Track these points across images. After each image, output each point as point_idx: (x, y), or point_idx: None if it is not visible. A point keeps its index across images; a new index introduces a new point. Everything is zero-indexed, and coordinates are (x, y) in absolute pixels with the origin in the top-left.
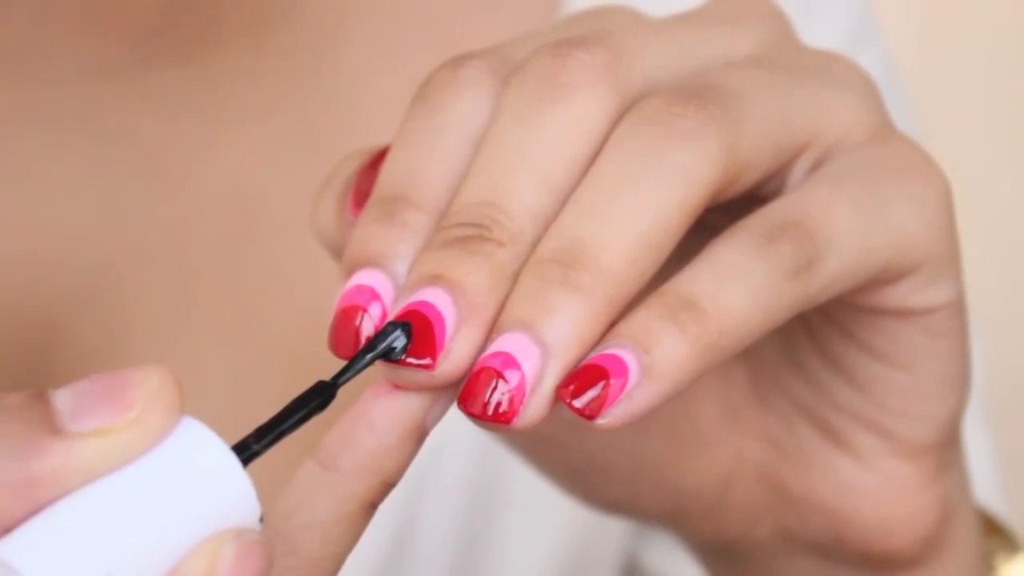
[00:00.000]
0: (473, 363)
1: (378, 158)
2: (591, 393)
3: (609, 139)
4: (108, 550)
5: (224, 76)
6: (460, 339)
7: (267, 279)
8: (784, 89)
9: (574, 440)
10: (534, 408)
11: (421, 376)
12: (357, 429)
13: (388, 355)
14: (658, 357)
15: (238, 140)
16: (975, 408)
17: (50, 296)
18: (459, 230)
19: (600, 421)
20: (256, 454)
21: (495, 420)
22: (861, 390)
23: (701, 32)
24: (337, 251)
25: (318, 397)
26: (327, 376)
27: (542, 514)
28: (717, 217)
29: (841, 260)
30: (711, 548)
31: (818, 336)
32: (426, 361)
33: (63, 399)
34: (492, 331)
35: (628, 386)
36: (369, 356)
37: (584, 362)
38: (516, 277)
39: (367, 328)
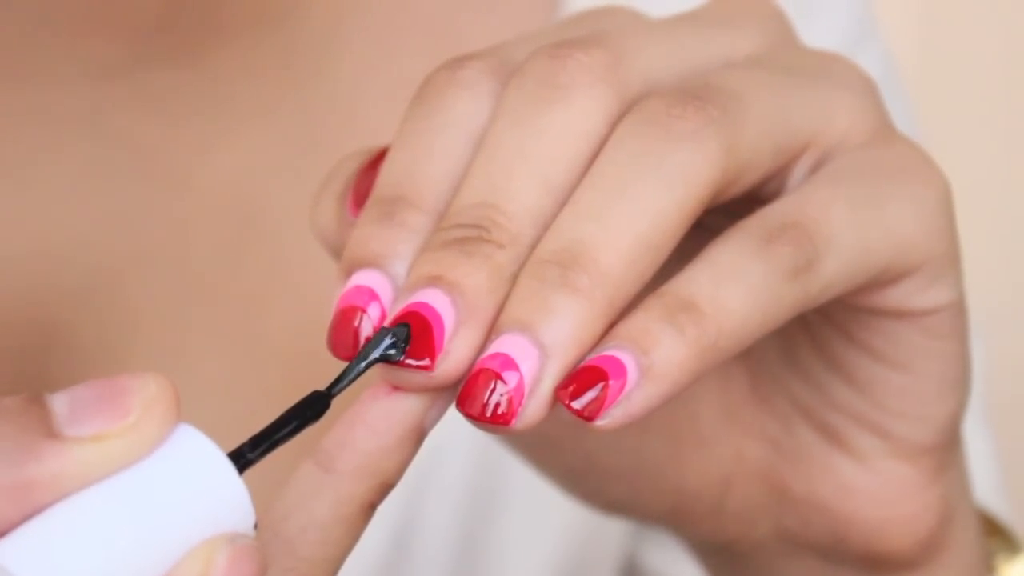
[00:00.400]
0: (472, 364)
1: (377, 158)
2: (589, 394)
3: (608, 140)
4: (103, 554)
5: (224, 77)
6: (459, 340)
7: (267, 279)
8: (784, 90)
9: (574, 441)
10: (532, 409)
11: (420, 377)
12: (356, 431)
13: (387, 357)
14: (656, 359)
15: (238, 141)
16: (975, 408)
17: (50, 296)
18: (458, 231)
19: (598, 422)
20: (251, 462)
21: (493, 421)
22: (861, 391)
23: (701, 33)
24: (337, 251)
25: (312, 407)
26: (327, 376)
27: (542, 515)
28: (717, 218)
29: (840, 261)
30: (711, 548)
31: (818, 337)
32: (425, 362)
33: (60, 403)
34: (491, 332)
35: (626, 388)
36: (363, 365)
37: (583, 363)
38: (515, 278)
39: (366, 329)
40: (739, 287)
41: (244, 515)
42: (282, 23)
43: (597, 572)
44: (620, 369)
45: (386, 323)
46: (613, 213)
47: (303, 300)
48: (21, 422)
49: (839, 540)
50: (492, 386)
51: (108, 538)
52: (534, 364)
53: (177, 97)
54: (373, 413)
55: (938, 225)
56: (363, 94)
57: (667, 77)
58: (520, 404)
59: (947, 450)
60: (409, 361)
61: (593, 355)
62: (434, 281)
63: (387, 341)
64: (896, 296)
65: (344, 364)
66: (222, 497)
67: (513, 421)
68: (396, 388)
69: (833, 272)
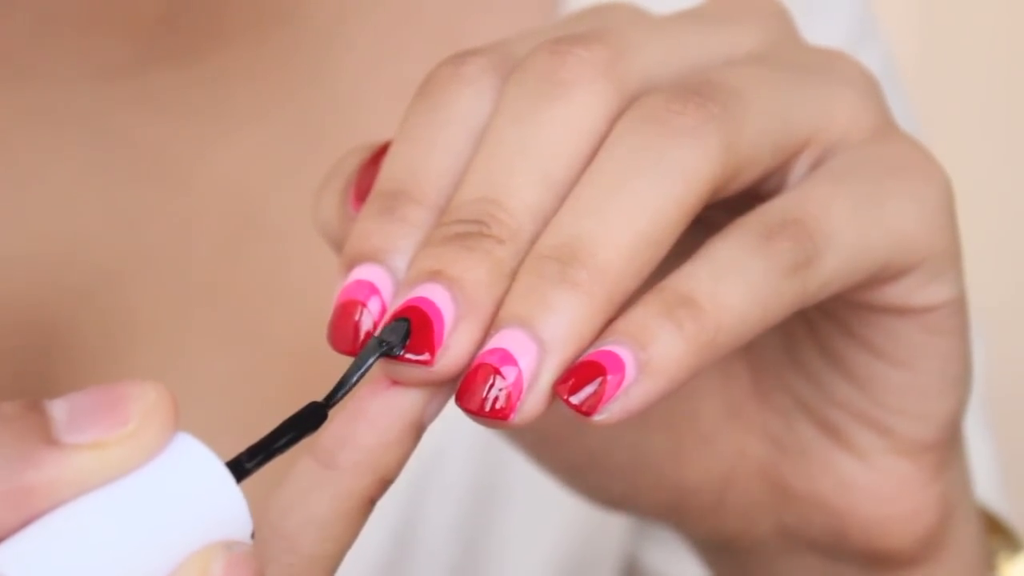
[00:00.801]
0: (471, 359)
1: (379, 153)
2: (588, 390)
3: (608, 136)
4: (100, 561)
5: (225, 77)
6: (458, 335)
7: (268, 279)
8: (785, 87)
9: (575, 436)
10: (531, 404)
11: (419, 372)
12: (355, 426)
13: (389, 352)
14: (655, 354)
15: (239, 141)
16: (975, 408)
17: (50, 297)
18: (459, 226)
19: (597, 418)
20: (248, 472)
21: (492, 416)
22: (862, 388)
23: (702, 29)
24: (339, 246)
25: (309, 419)
26: (328, 375)
27: (543, 513)
28: (717, 214)
29: (840, 258)
30: (712, 545)
31: (819, 333)
32: (424, 357)
33: (59, 410)
34: (490, 327)
35: (625, 383)
36: (357, 376)
37: (581, 359)
38: (515, 274)
39: (366, 323)
40: (738, 283)
41: (242, 524)
42: (284, 24)
43: (598, 570)
44: (618, 364)
45: (386, 317)
46: (612, 209)
47: (303, 300)
48: (20, 428)
49: (839, 537)
50: (491, 381)
51: (106, 545)
52: (533, 359)
53: (179, 97)
54: (373, 408)
55: (939, 222)
56: (364, 95)
57: (667, 73)
58: (519, 399)
59: (948, 447)
60: (409, 356)
61: (592, 350)
62: (434, 276)
63: (381, 349)
64: (897, 293)
65: (347, 361)
66: (220, 506)
67: (512, 416)
68: (395, 383)
69: (833, 269)
